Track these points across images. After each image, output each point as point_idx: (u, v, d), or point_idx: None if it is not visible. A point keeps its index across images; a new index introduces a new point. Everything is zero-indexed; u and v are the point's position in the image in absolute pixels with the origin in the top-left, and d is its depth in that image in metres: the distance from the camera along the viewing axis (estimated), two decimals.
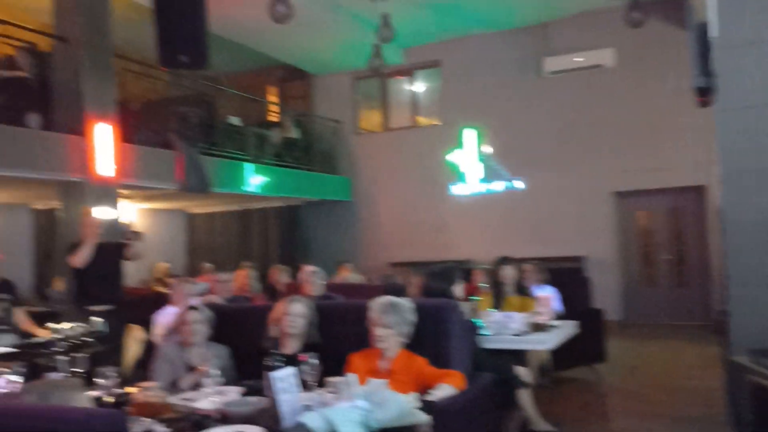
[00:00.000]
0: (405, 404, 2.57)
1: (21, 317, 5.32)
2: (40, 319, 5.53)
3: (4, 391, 2.63)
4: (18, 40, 6.66)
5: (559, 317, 5.26)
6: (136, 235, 6.23)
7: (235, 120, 9.39)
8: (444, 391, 2.98)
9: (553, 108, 10.19)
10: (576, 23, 9.96)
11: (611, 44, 9.70)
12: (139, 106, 8.77)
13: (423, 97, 11.65)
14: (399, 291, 4.87)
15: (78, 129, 6.63)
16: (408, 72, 11.40)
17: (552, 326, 4.74)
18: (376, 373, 3.09)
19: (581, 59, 9.88)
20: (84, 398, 2.05)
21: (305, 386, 2.81)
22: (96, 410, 1.94)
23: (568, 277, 6.97)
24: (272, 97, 12.44)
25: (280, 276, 7.40)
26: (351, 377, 2.57)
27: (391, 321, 3.23)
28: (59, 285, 7.98)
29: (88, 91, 6.71)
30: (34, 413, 1.64)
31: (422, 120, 11.58)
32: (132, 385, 3.38)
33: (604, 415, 5.34)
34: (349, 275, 8.27)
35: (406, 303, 3.37)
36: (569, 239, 9.91)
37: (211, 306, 4.15)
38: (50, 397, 1.98)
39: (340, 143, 11.75)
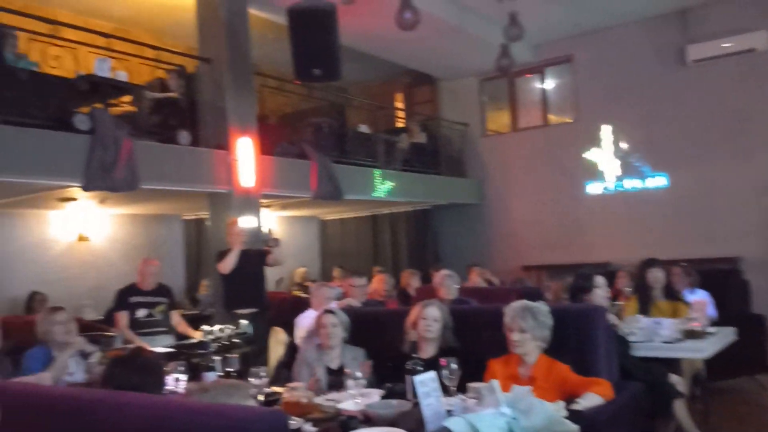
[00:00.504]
0: (552, 413, 2.48)
1: (177, 319, 5.76)
2: (192, 322, 5.97)
3: (171, 388, 2.85)
4: (168, 64, 7.23)
5: (713, 323, 4.87)
6: (276, 242, 6.55)
7: (364, 128, 9.62)
8: (591, 400, 2.84)
9: (698, 99, 9.47)
10: (722, 6, 9.21)
11: (764, 26, 8.87)
12: (276, 120, 9.23)
13: (554, 95, 11.29)
14: (536, 295, 4.74)
15: (223, 144, 7.08)
16: (538, 69, 11.09)
17: (708, 333, 4.39)
18: (516, 380, 3.02)
19: (729, 44, 9.10)
20: (249, 398, 2.17)
21: (445, 391, 2.79)
22: (260, 409, 2.04)
23: (720, 279, 6.44)
24: (399, 104, 12.62)
25: (411, 280, 7.47)
26: (494, 383, 2.51)
27: (528, 325, 3.14)
28: (205, 289, 8.58)
29: (231, 108, 7.15)
30: (204, 410, 1.75)
31: (553, 118, 11.22)
32: (276, 385, 3.54)
33: (765, 429, 4.87)
34: (481, 279, 8.18)
35: (542, 307, 3.27)
36: (720, 239, 9.14)
37: (348, 310, 4.25)
38: (220, 396, 2.11)
39: (468, 146, 11.66)
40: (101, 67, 5.97)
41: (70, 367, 3.82)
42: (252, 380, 3.05)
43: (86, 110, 5.99)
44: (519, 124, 11.48)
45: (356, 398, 2.95)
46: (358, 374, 3.07)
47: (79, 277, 8.43)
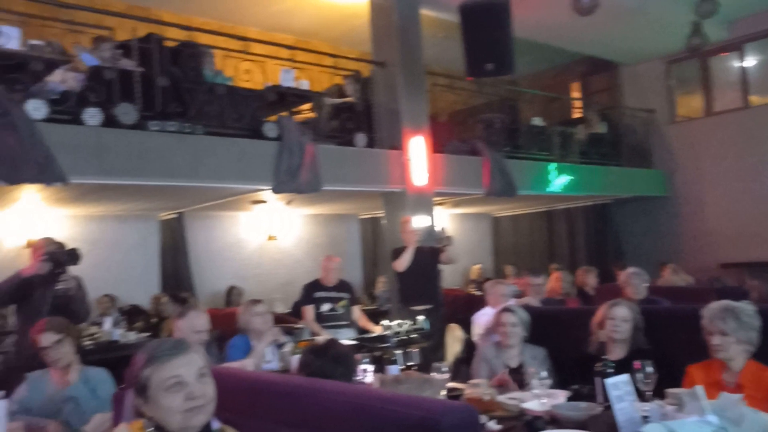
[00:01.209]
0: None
1: (358, 314, 6.00)
2: (371, 317, 6.19)
3: (359, 378, 2.98)
4: (345, 70, 7.58)
5: None
6: (449, 239, 6.58)
7: (538, 121, 9.34)
8: None
9: None
10: None
11: None
12: (447, 118, 9.28)
13: (755, 73, 10.12)
14: (739, 295, 4.28)
15: (397, 144, 7.27)
16: (734, 46, 10.02)
17: None
18: (720, 387, 2.74)
19: None
20: (439, 394, 2.21)
21: (640, 396, 2.61)
22: (451, 402, 2.05)
23: None
24: (575, 93, 12.09)
25: (587, 278, 7.11)
26: (699, 389, 2.30)
27: (729, 328, 2.84)
28: (382, 285, 8.87)
29: (404, 109, 7.32)
30: (397, 400, 1.79)
31: (756, 99, 10.06)
32: (456, 381, 3.54)
33: None
34: (676, 277, 7.58)
35: (747, 307, 2.94)
36: None
37: (527, 308, 4.15)
38: (414, 389, 2.16)
39: (653, 134, 10.85)
40: (286, 77, 6.41)
41: (267, 356, 4.13)
42: (434, 375, 3.09)
43: (274, 119, 6.48)
44: (713, 108, 10.45)
45: (541, 398, 2.86)
46: (543, 373, 2.98)
47: (270, 273, 9.13)
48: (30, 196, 6.19)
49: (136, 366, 1.85)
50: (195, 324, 3.69)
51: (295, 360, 3.96)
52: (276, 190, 6.27)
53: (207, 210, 8.22)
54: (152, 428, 1.79)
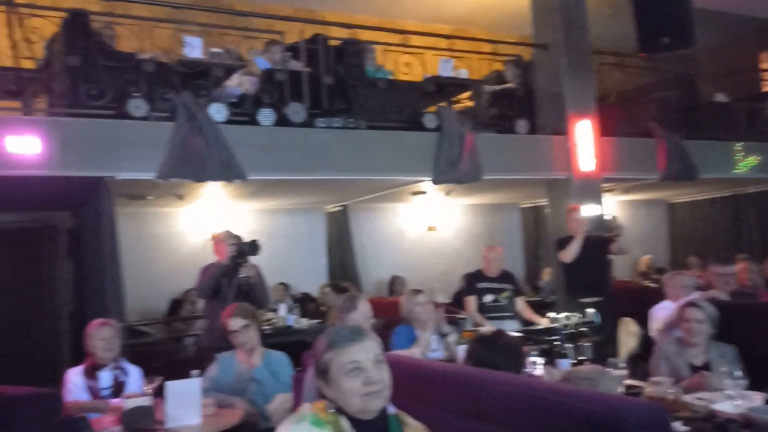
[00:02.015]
0: None
1: (522, 305, 5.85)
2: (534, 309, 6.01)
3: (528, 370, 2.90)
4: (504, 55, 7.40)
5: None
6: (620, 228, 6.20)
7: (721, 97, 8.48)
8: None
9: None
10: None
11: None
12: (614, 98, 8.73)
13: None
14: None
15: (561, 129, 6.98)
16: None
17: None
18: None
19: None
20: (617, 389, 2.08)
21: None
22: (639, 401, 1.92)
23: None
24: (764, 65, 10.83)
25: None
26: None
27: None
28: (548, 277, 8.58)
29: (569, 92, 7.00)
30: (576, 395, 1.71)
31: None
32: (633, 379, 3.32)
33: None
34: None
35: None
36: None
37: (714, 302, 3.79)
38: (594, 383, 2.06)
39: None
40: (445, 67, 6.40)
41: (432, 345, 4.16)
42: (610, 371, 2.92)
43: (433, 109, 6.50)
44: None
45: (735, 400, 2.59)
46: (738, 373, 2.69)
47: (429, 264, 9.22)
48: (212, 193, 6.77)
49: (317, 350, 1.93)
50: (366, 312, 3.82)
51: (460, 350, 3.96)
52: (436, 181, 6.30)
53: (370, 202, 8.47)
54: (333, 409, 1.86)
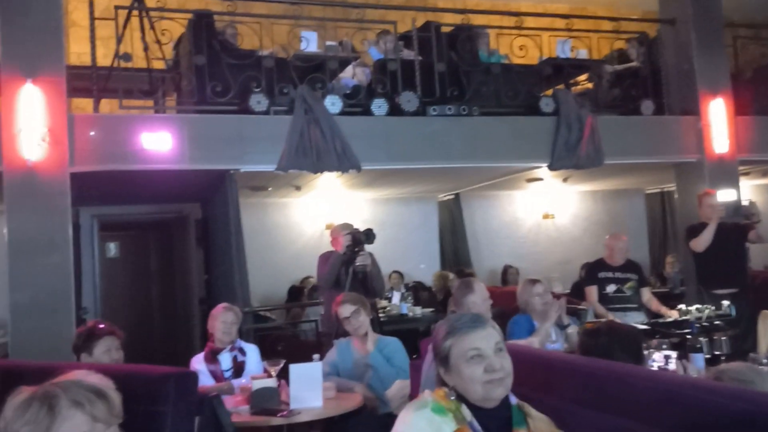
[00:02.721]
0: None
1: (648, 296, 5.54)
2: (661, 300, 5.66)
3: (660, 365, 2.74)
4: (627, 33, 7.00)
5: None
6: (758, 215, 5.72)
7: None
8: None
9: None
10: None
11: None
12: (750, 74, 8.03)
13: None
14: None
15: (690, 109, 6.53)
16: None
17: None
18: None
19: None
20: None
21: None
22: None
23: None
24: None
25: None
26: None
27: None
28: (674, 266, 8.07)
29: (699, 69, 6.52)
30: (720, 390, 1.59)
31: None
32: None
33: None
34: None
35: None
36: None
37: None
38: (754, 384, 1.91)
39: None
40: (562, 48, 6.16)
41: (552, 335, 4.03)
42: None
43: (550, 93, 6.28)
44: None
45: None
46: None
47: (546, 252, 8.97)
48: (328, 183, 6.94)
49: (437, 337, 1.93)
50: (484, 293, 3.78)
51: None
52: (553, 167, 6.09)
53: (483, 190, 8.35)
54: (454, 397, 1.85)
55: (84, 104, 5.88)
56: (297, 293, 7.58)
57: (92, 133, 4.95)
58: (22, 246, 4.73)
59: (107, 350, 3.20)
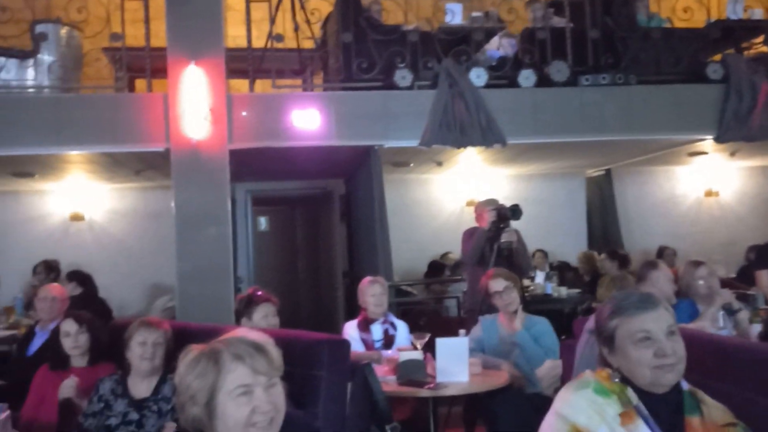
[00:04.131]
0: None
1: None
2: None
3: None
4: None
5: None
6: None
7: None
8: None
9: None
10: None
11: None
12: None
13: None
14: None
15: None
16: None
17: None
18: None
19: None
20: None
21: None
22: None
23: None
24: None
25: None
26: None
27: None
28: None
29: None
30: None
31: None
32: None
33: None
34: None
35: None
36: None
37: None
38: None
39: None
40: (734, 9, 5.59)
41: (719, 322, 3.70)
42: None
43: (718, 58, 5.73)
44: None
45: None
46: None
47: (708, 232, 8.30)
48: (469, 159, 6.83)
49: (602, 315, 1.81)
50: (668, 274, 3.56)
51: (754, 328, 3.50)
52: (720, 140, 5.58)
53: (637, 165, 7.85)
54: (618, 379, 1.73)
55: (238, 85, 6.22)
56: (437, 269, 7.60)
57: (244, 113, 5.21)
58: (187, 219, 5.12)
59: (265, 316, 3.38)
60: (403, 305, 5.98)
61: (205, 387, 1.47)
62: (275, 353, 1.55)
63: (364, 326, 4.03)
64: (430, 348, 3.47)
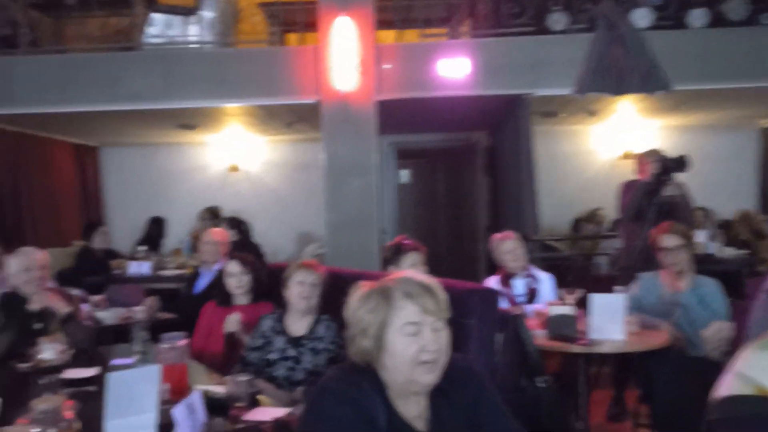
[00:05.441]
0: None
1: None
2: None
3: None
4: None
5: None
6: None
7: None
8: None
9: None
10: None
11: None
12: None
13: None
14: None
15: None
16: None
17: None
18: None
19: None
20: None
21: None
22: None
23: None
24: None
25: None
26: None
27: None
28: None
29: None
30: None
31: None
32: None
33: None
34: None
35: None
36: None
37: None
38: None
39: None
40: None
41: None
42: None
43: None
44: None
45: None
46: None
47: None
48: (625, 109, 6.39)
49: None
50: None
51: None
52: None
53: None
54: None
55: (382, 36, 6.22)
56: (581, 225, 7.30)
57: (387, 66, 5.19)
58: (336, 170, 5.27)
59: (413, 264, 3.40)
60: (548, 260, 5.81)
61: (376, 321, 1.52)
62: (442, 295, 1.56)
63: (505, 281, 3.95)
64: (582, 304, 3.33)
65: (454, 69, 5.17)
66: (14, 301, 3.17)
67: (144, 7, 5.68)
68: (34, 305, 3.15)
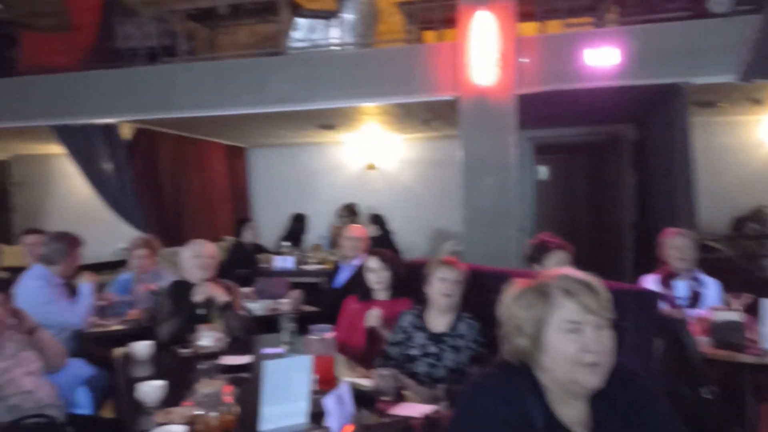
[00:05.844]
0: None
1: None
2: None
3: None
4: None
5: None
6: None
7: None
8: None
9: None
10: None
11: None
12: None
13: None
14: None
15: None
16: None
17: None
18: None
19: None
20: None
21: None
22: None
23: None
24: None
25: None
26: None
27: None
28: None
29: None
30: None
31: None
32: None
33: None
34: None
35: None
36: None
37: None
38: None
39: None
40: None
41: None
42: None
43: None
44: None
45: None
46: None
47: None
48: None
49: None
50: None
51: None
52: None
53: None
54: None
55: (524, 29, 6.04)
56: (742, 224, 6.66)
57: (524, 60, 5.01)
58: (473, 167, 5.18)
59: (558, 263, 3.26)
60: (705, 261, 5.35)
61: (532, 319, 1.45)
62: (605, 294, 1.46)
63: (666, 281, 3.68)
64: (748, 310, 3.03)
65: (602, 58, 4.91)
66: (182, 288, 3.40)
67: (289, 12, 5.92)
68: (199, 294, 3.35)
